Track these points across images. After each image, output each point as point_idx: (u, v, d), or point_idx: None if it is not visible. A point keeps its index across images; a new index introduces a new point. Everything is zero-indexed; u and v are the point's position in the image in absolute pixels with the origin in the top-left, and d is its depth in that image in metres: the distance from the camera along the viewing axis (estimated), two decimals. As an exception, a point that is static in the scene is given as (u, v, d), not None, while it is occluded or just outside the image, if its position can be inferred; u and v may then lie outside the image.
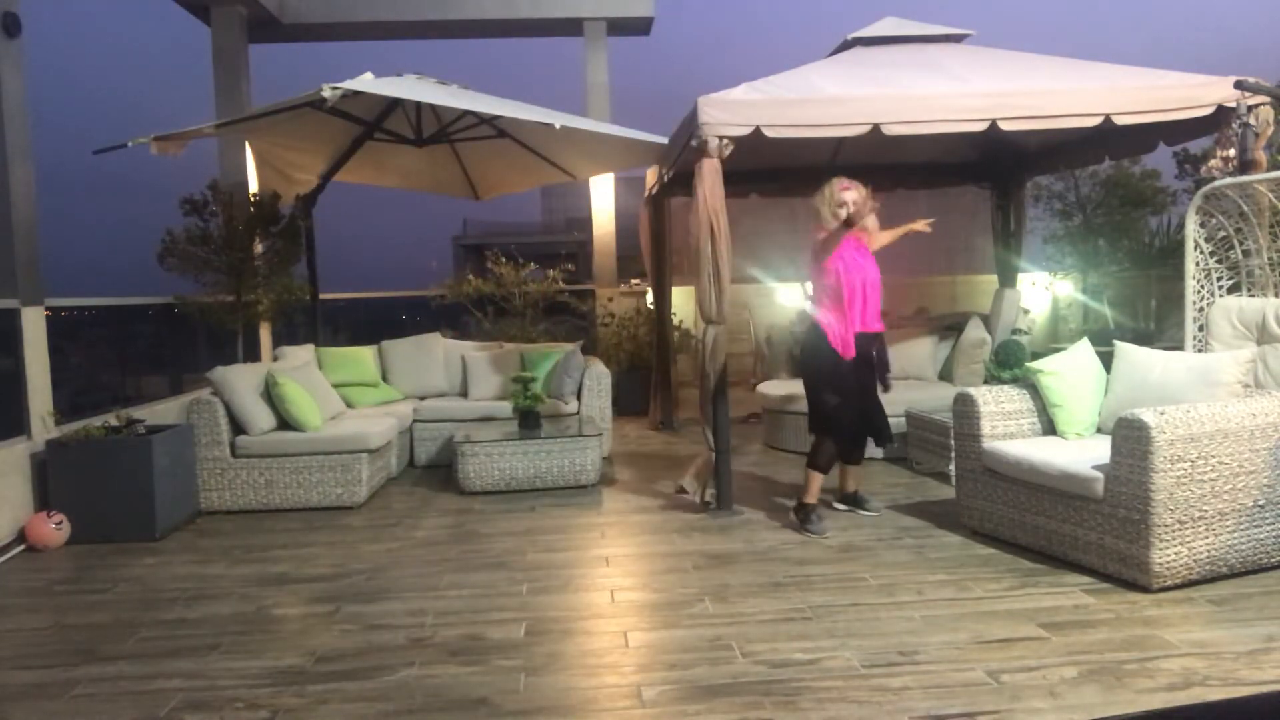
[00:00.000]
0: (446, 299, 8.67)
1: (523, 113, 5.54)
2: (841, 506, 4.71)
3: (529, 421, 5.68)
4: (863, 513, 4.63)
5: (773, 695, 2.67)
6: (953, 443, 4.51)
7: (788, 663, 2.89)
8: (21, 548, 4.51)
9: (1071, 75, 5.12)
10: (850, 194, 4.39)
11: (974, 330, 6.31)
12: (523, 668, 2.93)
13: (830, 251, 4.39)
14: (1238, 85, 4.62)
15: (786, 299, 9.93)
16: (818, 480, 4.45)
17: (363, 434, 5.27)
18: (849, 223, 4.30)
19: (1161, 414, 3.31)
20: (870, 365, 4.47)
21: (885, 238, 4.75)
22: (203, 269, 6.39)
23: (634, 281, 10.22)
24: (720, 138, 4.62)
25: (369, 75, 5.21)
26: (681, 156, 5.21)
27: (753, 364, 9.33)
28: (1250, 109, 4.66)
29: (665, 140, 5.82)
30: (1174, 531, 3.29)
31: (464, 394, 6.74)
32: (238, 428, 5.25)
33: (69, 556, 4.43)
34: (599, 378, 6.41)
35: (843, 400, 4.40)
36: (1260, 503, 3.43)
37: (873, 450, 5.96)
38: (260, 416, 5.26)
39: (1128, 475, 3.35)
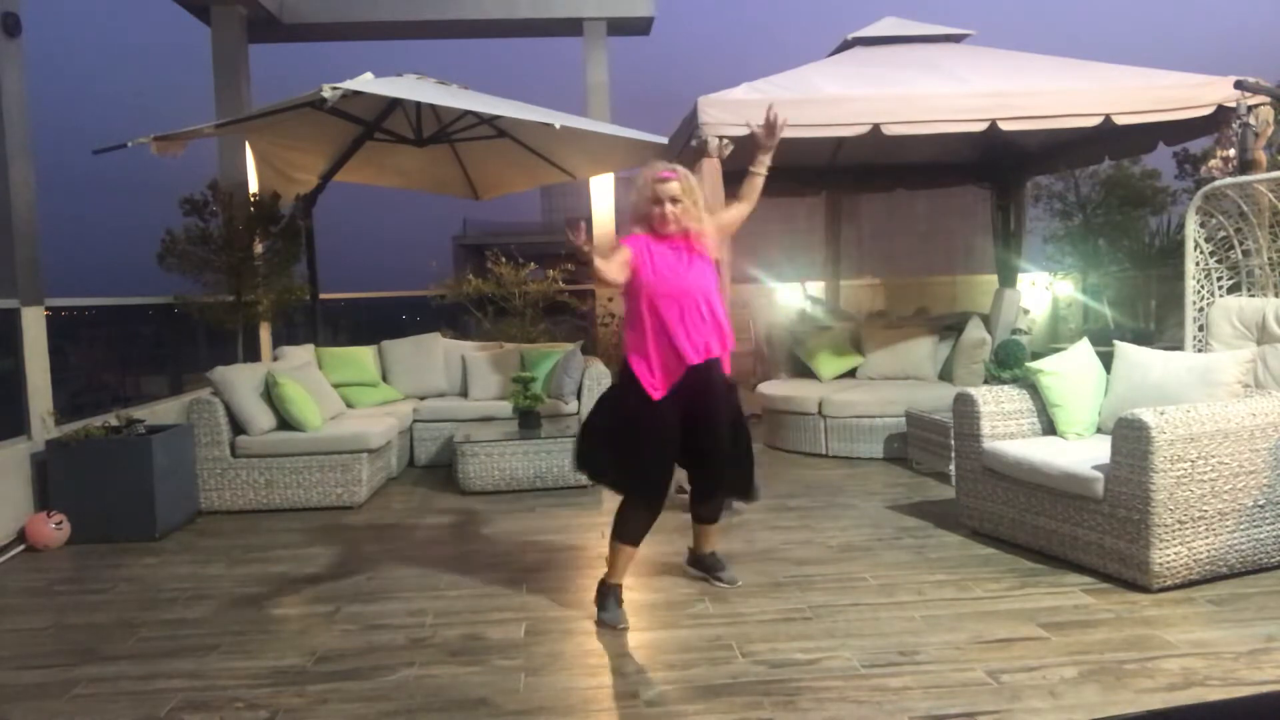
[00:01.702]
0: (446, 299, 8.67)
1: (523, 113, 5.54)
2: (693, 570, 3.82)
3: (529, 421, 5.68)
4: (717, 583, 3.68)
5: (773, 695, 2.67)
6: (953, 443, 4.51)
7: (788, 663, 2.89)
8: (21, 548, 4.51)
9: (1071, 75, 5.13)
10: (671, 186, 3.28)
11: (974, 330, 6.31)
12: (523, 668, 2.93)
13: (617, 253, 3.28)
14: (1238, 85, 4.62)
15: (786, 299, 9.93)
16: (624, 555, 3.38)
17: (363, 434, 5.27)
18: (651, 226, 3.32)
19: (1161, 414, 3.31)
20: (709, 402, 3.33)
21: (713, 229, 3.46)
22: (203, 269, 6.40)
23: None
24: (720, 138, 4.62)
25: (369, 75, 5.21)
26: (681, 156, 5.21)
27: (752, 364, 9.33)
28: (1250, 109, 4.66)
29: (665, 140, 5.82)
30: (1174, 531, 3.29)
31: (464, 394, 6.74)
32: (238, 428, 5.25)
33: (69, 556, 4.43)
34: (599, 378, 6.40)
35: (654, 454, 3.30)
36: (1260, 503, 3.43)
37: (873, 450, 5.99)
38: (260, 416, 5.26)
39: (1128, 475, 3.35)
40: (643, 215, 3.35)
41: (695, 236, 3.33)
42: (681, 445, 3.35)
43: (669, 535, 4.40)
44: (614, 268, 3.21)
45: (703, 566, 3.78)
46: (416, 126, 6.75)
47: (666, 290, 3.24)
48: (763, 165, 3.59)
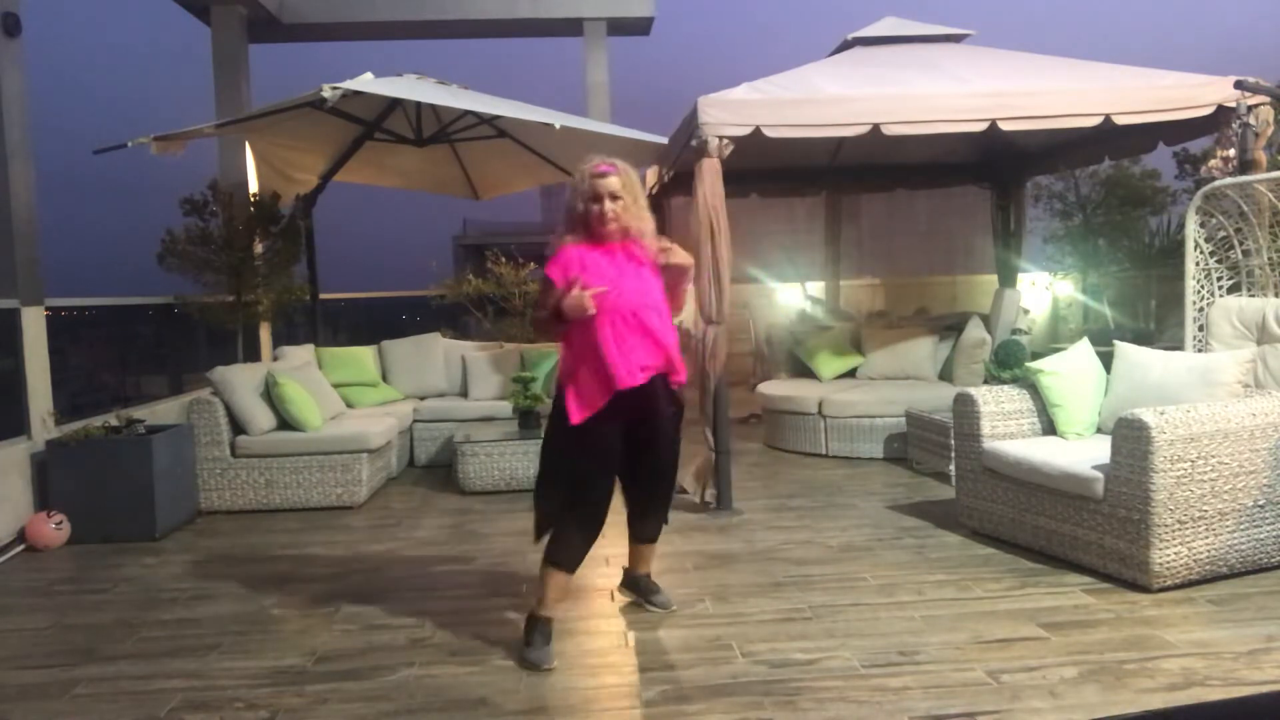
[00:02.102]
0: (446, 299, 8.67)
1: (523, 113, 5.54)
2: (625, 593, 3.54)
3: (529, 421, 5.68)
4: (650, 606, 3.41)
5: (773, 695, 2.67)
6: (953, 443, 4.51)
7: (788, 663, 2.89)
8: (21, 548, 4.51)
9: (1071, 75, 5.12)
10: (610, 181, 3.01)
11: (974, 330, 6.31)
12: (523, 667, 2.93)
13: (552, 259, 3.04)
14: (1238, 85, 4.62)
15: (786, 299, 9.94)
16: (557, 581, 3.05)
17: (363, 434, 5.27)
18: (589, 227, 3.04)
19: (1161, 414, 3.31)
20: (653, 424, 3.12)
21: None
22: (203, 269, 6.40)
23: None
24: (720, 138, 4.62)
25: (369, 75, 5.21)
26: (681, 156, 5.21)
27: (753, 364, 9.33)
28: (1250, 109, 4.66)
29: (665, 140, 5.83)
30: (1174, 531, 3.29)
31: (464, 394, 6.74)
32: (238, 428, 5.25)
33: (69, 556, 4.43)
34: (599, 378, 6.39)
35: (590, 478, 3.04)
36: (1260, 503, 3.43)
37: (873, 450, 5.98)
38: (260, 416, 5.26)
39: (1128, 475, 3.35)
40: (579, 215, 3.05)
41: (637, 237, 3.06)
42: (624, 466, 3.14)
43: (669, 535, 4.38)
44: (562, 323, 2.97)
45: (637, 589, 3.49)
46: (416, 126, 6.74)
47: (600, 304, 2.91)
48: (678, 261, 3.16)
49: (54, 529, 4.53)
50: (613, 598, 3.57)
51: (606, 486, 3.09)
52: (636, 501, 3.33)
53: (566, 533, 3.07)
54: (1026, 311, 6.95)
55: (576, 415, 2.97)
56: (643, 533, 3.41)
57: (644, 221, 3.08)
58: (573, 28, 9.74)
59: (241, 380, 5.29)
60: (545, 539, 3.11)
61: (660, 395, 3.12)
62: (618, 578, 3.80)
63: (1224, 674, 2.70)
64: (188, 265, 6.33)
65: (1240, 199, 4.52)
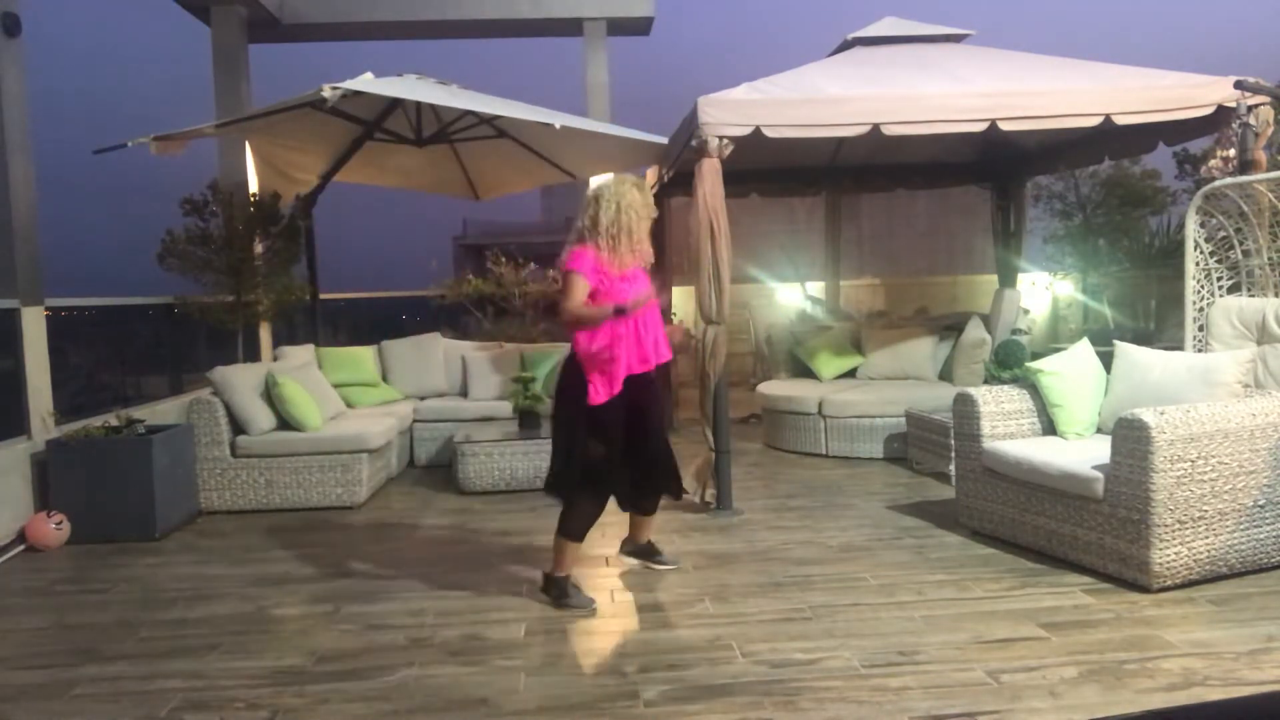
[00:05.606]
0: (446, 299, 8.66)
1: (523, 113, 5.54)
2: (631, 560, 3.95)
3: (529, 421, 5.68)
4: (655, 566, 3.89)
5: (773, 695, 2.67)
6: (953, 443, 4.51)
7: (788, 663, 2.89)
8: (21, 548, 4.51)
9: (1071, 75, 5.12)
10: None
11: (974, 330, 6.31)
12: (523, 668, 2.93)
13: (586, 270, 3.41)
14: (1238, 85, 4.62)
15: (786, 299, 9.94)
16: (571, 550, 3.51)
17: (363, 434, 5.27)
18: (614, 244, 3.43)
19: (1161, 414, 3.31)
20: (644, 411, 3.58)
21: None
22: (203, 269, 6.39)
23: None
24: (720, 138, 4.62)
25: (369, 75, 5.21)
26: (681, 156, 5.21)
27: (753, 364, 9.33)
28: (1250, 109, 4.66)
29: (665, 140, 5.82)
30: (1174, 531, 3.29)
31: (464, 394, 6.74)
32: (238, 428, 5.25)
33: (69, 556, 4.43)
34: (599, 378, 6.40)
35: (609, 450, 3.47)
36: (1260, 503, 3.43)
37: (873, 450, 5.98)
38: (260, 416, 5.26)
39: (1128, 475, 3.35)
40: (624, 230, 3.44)
41: (640, 249, 3.53)
42: (628, 449, 3.53)
43: (669, 535, 4.39)
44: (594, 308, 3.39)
45: (642, 554, 3.93)
46: (416, 126, 6.74)
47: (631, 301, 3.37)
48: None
49: (54, 529, 4.53)
50: (613, 598, 3.57)
51: (618, 465, 3.49)
52: (641, 484, 3.69)
53: (581, 505, 3.49)
54: (1026, 311, 6.95)
55: (598, 396, 3.40)
56: (646, 507, 3.80)
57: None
58: (573, 28, 9.73)
59: (241, 380, 5.29)
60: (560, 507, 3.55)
61: (656, 383, 3.65)
62: (618, 578, 3.81)
63: (1224, 674, 2.70)
64: (188, 265, 6.33)
65: (1240, 199, 4.52)
